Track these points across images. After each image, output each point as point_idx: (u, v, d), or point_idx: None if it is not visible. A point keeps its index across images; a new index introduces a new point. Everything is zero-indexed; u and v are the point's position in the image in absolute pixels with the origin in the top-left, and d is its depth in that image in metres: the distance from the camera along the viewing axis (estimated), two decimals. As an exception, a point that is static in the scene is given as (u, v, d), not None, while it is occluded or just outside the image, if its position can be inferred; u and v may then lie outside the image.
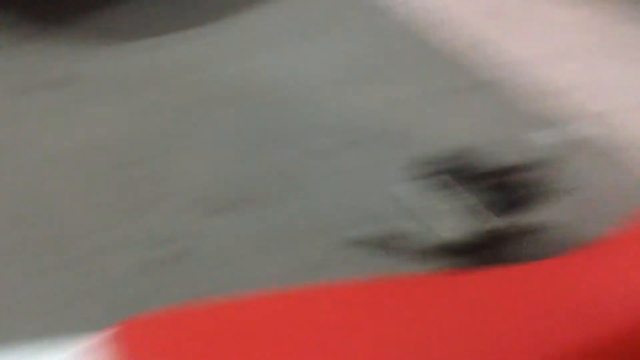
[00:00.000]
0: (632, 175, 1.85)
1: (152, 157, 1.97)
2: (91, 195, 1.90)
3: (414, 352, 0.60)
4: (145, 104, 2.19)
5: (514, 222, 1.43)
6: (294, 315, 0.62)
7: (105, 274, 1.61)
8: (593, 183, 1.78)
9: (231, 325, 0.61)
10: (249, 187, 1.93)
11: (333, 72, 2.42)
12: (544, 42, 2.63)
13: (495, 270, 0.75)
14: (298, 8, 2.76)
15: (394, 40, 2.68)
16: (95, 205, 1.82)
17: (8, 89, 2.17)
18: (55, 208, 1.78)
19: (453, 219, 1.44)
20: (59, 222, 1.74)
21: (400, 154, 2.02)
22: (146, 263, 1.62)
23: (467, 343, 0.62)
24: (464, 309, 0.66)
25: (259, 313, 0.63)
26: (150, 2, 2.58)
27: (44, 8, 2.49)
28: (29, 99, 2.15)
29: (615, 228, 0.87)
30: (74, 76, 2.27)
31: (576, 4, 2.78)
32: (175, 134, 2.08)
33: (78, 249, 1.69)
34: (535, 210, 1.50)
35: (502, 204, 1.39)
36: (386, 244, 1.62)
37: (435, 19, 2.77)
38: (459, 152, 1.65)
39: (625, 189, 1.80)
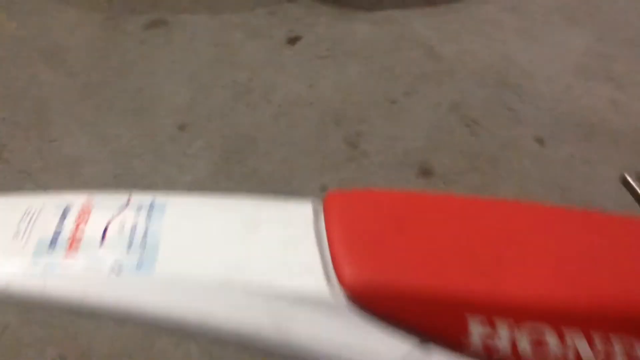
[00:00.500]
0: None
1: (370, 117, 2.08)
2: (308, 143, 2.07)
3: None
4: (369, 70, 2.31)
5: None
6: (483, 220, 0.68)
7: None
8: None
9: (418, 209, 0.68)
10: (457, 158, 1.94)
11: (575, 66, 2.30)
12: None
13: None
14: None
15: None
16: (311, 151, 1.98)
17: (268, 43, 2.44)
18: (271, 147, 1.98)
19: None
20: (271, 161, 1.93)
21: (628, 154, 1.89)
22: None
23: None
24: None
25: (449, 209, 0.69)
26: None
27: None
28: (276, 53, 2.39)
29: None
30: (309, 36, 2.47)
31: None
32: (395, 99, 2.17)
33: (285, 188, 1.86)
34: None
35: None
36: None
37: None
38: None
39: None
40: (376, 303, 0.57)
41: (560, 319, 0.58)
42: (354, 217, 0.64)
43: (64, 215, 0.61)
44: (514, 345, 0.58)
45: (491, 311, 0.57)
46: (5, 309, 1.53)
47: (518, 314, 0.57)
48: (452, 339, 0.58)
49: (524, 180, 1.87)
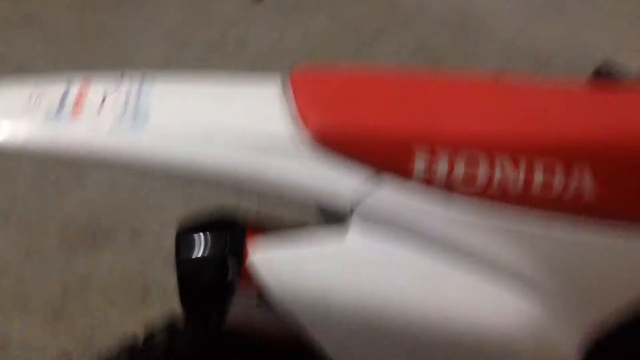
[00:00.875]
0: None
1: (338, 64, 2.19)
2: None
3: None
4: (335, 21, 2.41)
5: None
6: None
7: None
8: None
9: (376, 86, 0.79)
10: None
11: (531, 5, 2.43)
12: None
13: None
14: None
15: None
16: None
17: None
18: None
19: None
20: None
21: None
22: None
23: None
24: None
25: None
26: None
27: None
28: (245, 10, 2.49)
29: None
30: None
31: None
32: (360, 47, 2.28)
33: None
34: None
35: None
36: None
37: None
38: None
39: None
40: (336, 143, 0.69)
41: (493, 145, 0.69)
42: (317, 81, 0.76)
43: (66, 91, 0.71)
44: (449, 172, 0.69)
45: (433, 142, 0.68)
46: (3, 254, 1.63)
47: (455, 142, 0.69)
48: (400, 171, 0.69)
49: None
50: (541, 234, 0.75)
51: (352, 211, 0.70)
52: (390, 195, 0.70)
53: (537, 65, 2.17)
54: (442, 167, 0.70)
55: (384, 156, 0.70)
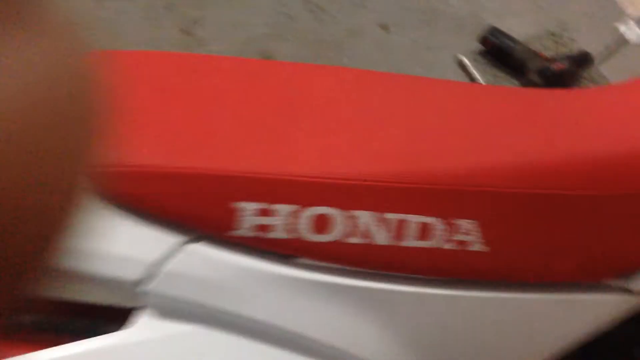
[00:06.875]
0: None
1: (206, 3, 1.92)
2: (139, 31, 1.88)
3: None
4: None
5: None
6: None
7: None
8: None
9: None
10: (300, 45, 1.85)
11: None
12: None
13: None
14: None
15: None
16: (143, 40, 1.80)
17: None
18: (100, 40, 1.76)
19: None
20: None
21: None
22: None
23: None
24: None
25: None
26: None
27: None
28: None
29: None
30: None
31: None
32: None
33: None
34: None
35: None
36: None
37: None
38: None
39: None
40: (133, 195, 0.47)
41: (345, 201, 0.51)
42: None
43: None
44: (291, 229, 0.51)
45: (256, 195, 0.48)
46: None
47: (300, 198, 0.49)
48: (218, 229, 0.49)
49: (368, 66, 1.82)
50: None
51: (142, 289, 0.50)
52: (204, 260, 0.50)
53: (423, 20, 2.01)
54: (277, 224, 0.51)
55: (195, 216, 0.49)
